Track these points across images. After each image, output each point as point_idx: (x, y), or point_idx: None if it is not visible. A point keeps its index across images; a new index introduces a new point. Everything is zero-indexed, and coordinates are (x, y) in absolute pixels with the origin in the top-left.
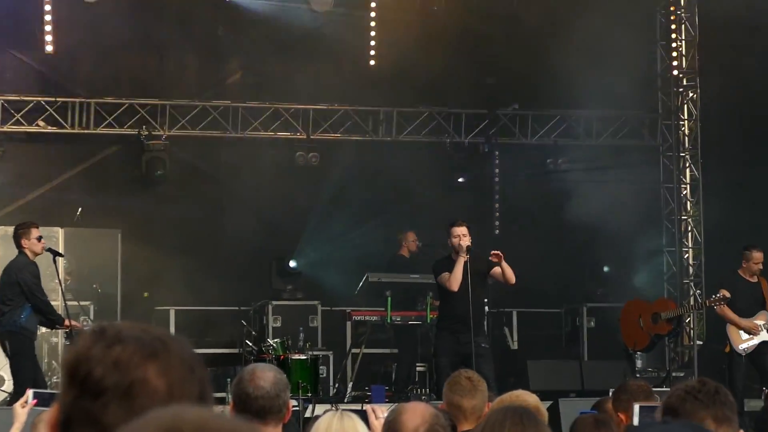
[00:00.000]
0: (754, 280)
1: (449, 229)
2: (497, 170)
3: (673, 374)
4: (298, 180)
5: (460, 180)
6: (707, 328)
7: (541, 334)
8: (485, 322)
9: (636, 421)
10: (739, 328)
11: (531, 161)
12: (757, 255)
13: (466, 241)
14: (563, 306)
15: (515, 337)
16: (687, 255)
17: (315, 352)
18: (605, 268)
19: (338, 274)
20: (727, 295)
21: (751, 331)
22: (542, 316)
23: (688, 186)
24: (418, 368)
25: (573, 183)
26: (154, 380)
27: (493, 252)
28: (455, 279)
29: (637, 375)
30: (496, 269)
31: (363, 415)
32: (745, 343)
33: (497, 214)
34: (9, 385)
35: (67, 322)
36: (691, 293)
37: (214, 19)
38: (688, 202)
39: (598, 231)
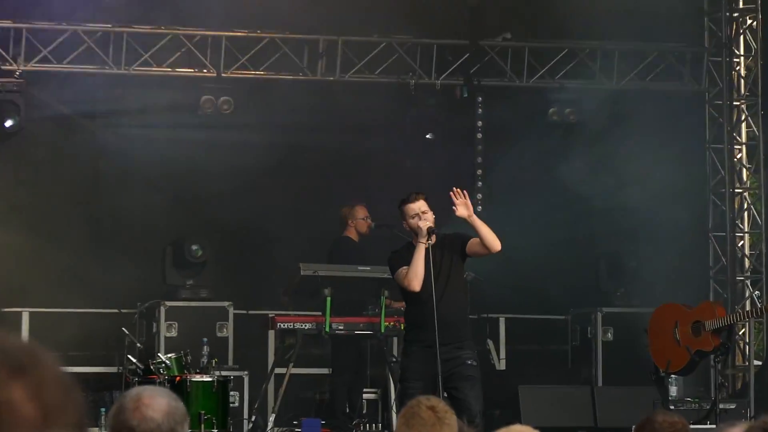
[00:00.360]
0: None
1: (401, 207)
2: (480, 123)
3: (721, 406)
4: (205, 135)
5: (429, 136)
6: None
7: (538, 349)
8: (467, 329)
9: None
10: None
11: (527, 111)
12: None
13: (427, 221)
14: (570, 311)
15: (502, 354)
16: (742, 242)
17: (224, 373)
18: (628, 261)
19: (258, 265)
20: None
21: None
22: (540, 324)
23: (744, 147)
24: (366, 395)
25: (584, 142)
26: (22, 404)
27: (453, 192)
28: (415, 274)
29: (671, 407)
30: (473, 241)
31: None
32: None
33: (479, 183)
34: None
35: None
36: (747, 295)
37: None
38: (744, 170)
39: (618, 209)
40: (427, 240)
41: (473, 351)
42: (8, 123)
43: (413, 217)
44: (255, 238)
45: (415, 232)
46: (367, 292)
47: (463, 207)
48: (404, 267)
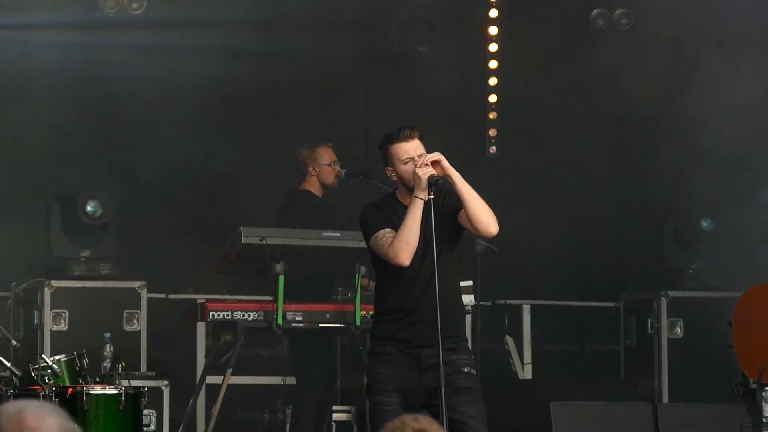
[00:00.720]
0: None
1: (386, 148)
2: (494, 30)
3: None
4: (104, 47)
5: (422, 49)
6: None
7: (576, 350)
8: (463, 325)
9: None
10: None
11: (561, 13)
12: None
13: (426, 167)
14: (622, 297)
15: (526, 357)
16: None
17: (135, 383)
18: (703, 223)
19: (183, 230)
20: None
21: None
22: (581, 315)
23: None
24: (336, 415)
25: (636, 58)
26: None
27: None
28: (407, 242)
29: (754, 427)
30: (463, 212)
31: None
32: None
33: (491, 115)
34: None
35: None
36: None
37: None
38: None
39: (691, 150)
40: (427, 194)
41: (470, 355)
42: None
43: (405, 162)
44: (179, 192)
45: (405, 184)
46: (336, 268)
47: (437, 168)
48: (387, 229)
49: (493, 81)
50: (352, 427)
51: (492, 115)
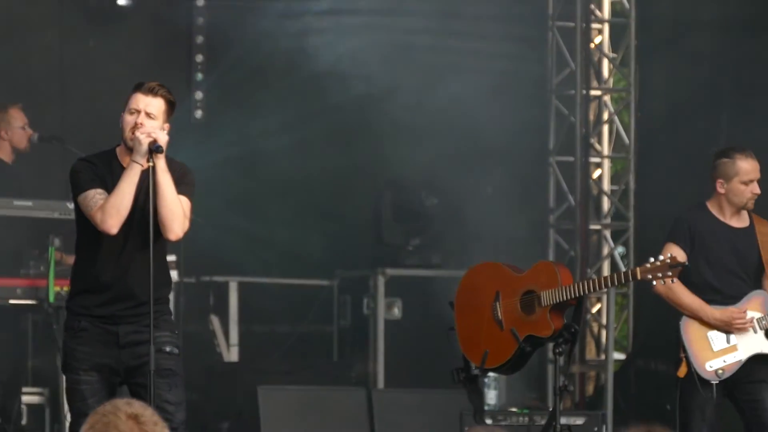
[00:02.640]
0: (743, 223)
1: (127, 100)
2: None
3: (563, 420)
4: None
5: (123, 3)
6: (637, 326)
7: (287, 331)
8: (166, 301)
9: None
10: (709, 325)
11: None
12: (745, 165)
13: (149, 129)
14: (336, 274)
15: (233, 338)
16: (599, 172)
17: None
18: (424, 198)
19: None
20: (680, 259)
21: (731, 323)
22: (292, 293)
23: (607, 27)
24: (27, 398)
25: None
26: None
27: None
28: (117, 209)
29: (488, 420)
30: None
31: None
32: (719, 358)
33: (198, 71)
34: None
35: None
36: (606, 252)
37: None
38: (605, 61)
39: (414, 117)
40: (149, 160)
41: (173, 331)
42: None
43: (131, 113)
44: None
45: (125, 141)
46: (27, 239)
47: (146, 133)
48: (99, 190)
49: (200, 39)
50: (44, 409)
51: (198, 77)
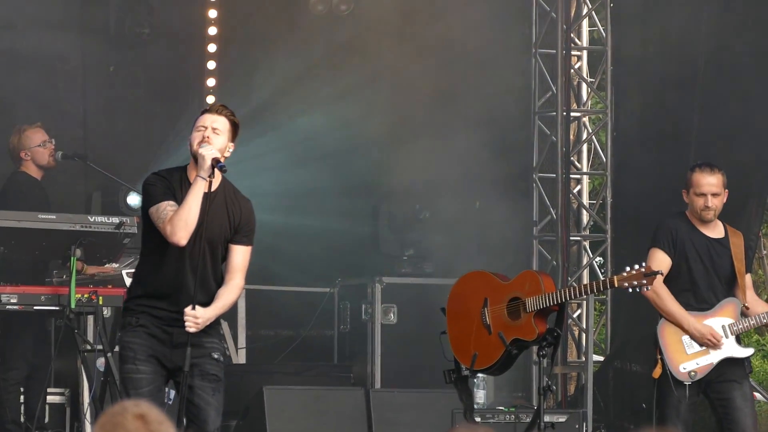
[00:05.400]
0: (718, 234)
1: (194, 121)
2: (214, 13)
3: (547, 418)
4: None
5: (141, 31)
6: (614, 330)
7: (291, 335)
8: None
9: None
10: (684, 330)
11: None
12: (699, 178)
13: (210, 147)
14: (336, 282)
15: (241, 341)
16: (579, 188)
17: None
18: (418, 210)
19: None
20: (660, 264)
21: (704, 339)
22: (296, 300)
23: (585, 54)
24: (50, 398)
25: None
26: None
27: None
28: (185, 221)
29: (477, 418)
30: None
31: None
32: (692, 361)
33: (209, 99)
34: None
35: None
36: (585, 261)
37: None
38: (584, 86)
39: (407, 136)
40: (211, 175)
41: (221, 340)
42: None
43: (198, 130)
44: None
45: (192, 153)
46: (52, 250)
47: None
48: (170, 202)
49: (211, 65)
50: (65, 409)
51: (210, 99)
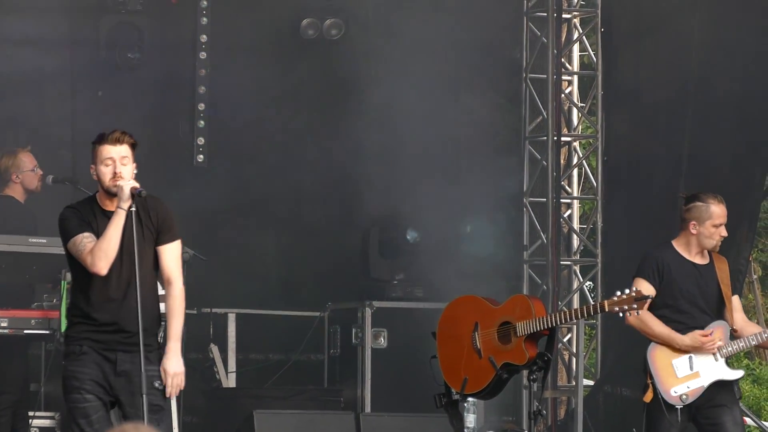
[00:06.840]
0: (704, 260)
1: (94, 147)
2: (204, 38)
3: None
4: None
5: (131, 56)
6: (605, 354)
7: (281, 359)
8: (158, 336)
9: None
10: (675, 352)
11: (271, 20)
12: (717, 210)
13: (126, 180)
14: (327, 306)
15: (231, 364)
16: (569, 212)
17: None
18: (408, 234)
19: None
20: (646, 293)
21: (698, 344)
22: (286, 324)
23: (576, 79)
24: (38, 421)
25: (349, 66)
26: None
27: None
28: (105, 252)
29: None
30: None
31: None
32: (682, 384)
33: (200, 123)
34: None
35: None
36: (576, 286)
37: None
38: (575, 110)
39: (397, 162)
40: (131, 205)
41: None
42: None
43: (107, 165)
44: None
45: (104, 187)
46: (41, 274)
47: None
48: (86, 234)
49: (202, 89)
50: None
51: (201, 124)
